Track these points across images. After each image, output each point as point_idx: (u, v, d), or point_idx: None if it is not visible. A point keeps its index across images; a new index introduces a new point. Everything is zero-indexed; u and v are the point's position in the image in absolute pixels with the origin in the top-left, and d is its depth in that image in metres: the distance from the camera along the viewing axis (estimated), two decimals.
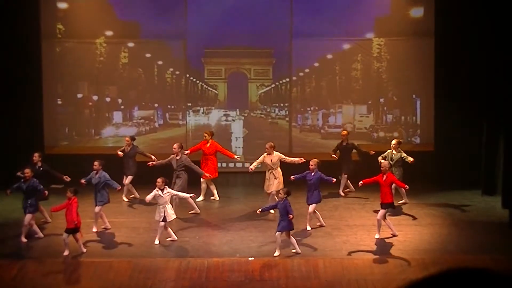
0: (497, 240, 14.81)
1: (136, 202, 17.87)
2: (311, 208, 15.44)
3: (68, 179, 15.93)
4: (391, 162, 16.71)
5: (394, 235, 15.00)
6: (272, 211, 15.71)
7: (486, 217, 16.62)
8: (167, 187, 14.73)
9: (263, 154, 16.96)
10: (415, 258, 13.66)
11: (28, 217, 14.82)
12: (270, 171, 16.76)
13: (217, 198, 18.10)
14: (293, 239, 13.99)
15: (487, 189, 18.29)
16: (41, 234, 15.05)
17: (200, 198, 17.69)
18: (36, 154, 16.40)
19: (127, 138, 18.36)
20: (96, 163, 15.65)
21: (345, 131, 18.78)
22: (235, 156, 18.46)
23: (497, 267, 13.28)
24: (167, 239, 14.74)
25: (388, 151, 17.36)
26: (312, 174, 15.43)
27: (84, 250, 14.16)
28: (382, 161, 16.27)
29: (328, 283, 12.77)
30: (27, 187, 14.93)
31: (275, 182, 16.53)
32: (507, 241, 14.77)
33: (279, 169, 16.71)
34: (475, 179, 18.65)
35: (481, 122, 18.47)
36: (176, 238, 14.79)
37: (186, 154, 17.08)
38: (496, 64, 17.76)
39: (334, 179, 15.84)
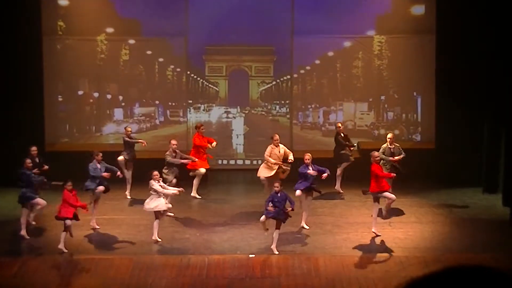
0: (498, 238, 14.81)
1: (137, 199, 17.84)
2: (297, 193, 15.35)
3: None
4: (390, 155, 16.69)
5: (374, 232, 15.02)
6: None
7: (487, 215, 16.61)
8: (155, 181, 14.70)
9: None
10: (416, 256, 13.66)
11: (24, 211, 14.89)
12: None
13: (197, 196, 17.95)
14: (276, 235, 13.94)
15: (488, 187, 18.28)
16: (25, 234, 14.94)
17: (192, 193, 17.58)
18: (33, 148, 16.37)
19: (128, 128, 18.37)
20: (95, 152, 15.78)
21: (339, 123, 18.71)
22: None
23: (498, 265, 13.28)
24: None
25: (383, 145, 17.10)
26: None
27: (65, 250, 14.11)
28: (382, 156, 16.32)
29: (328, 280, 12.77)
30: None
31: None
32: (508, 239, 14.78)
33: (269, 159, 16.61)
34: (476, 177, 18.64)
35: (482, 119, 18.46)
36: (159, 239, 14.69)
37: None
38: (498, 61, 17.75)
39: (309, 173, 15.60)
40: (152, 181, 14.67)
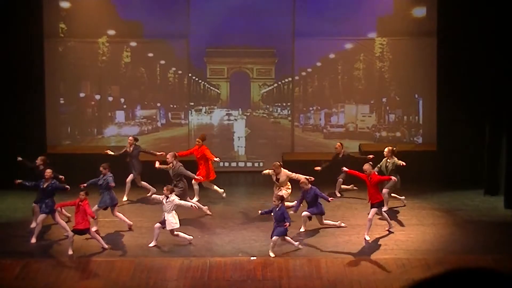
0: (500, 240, 14.81)
1: (138, 201, 17.88)
2: (304, 213, 15.36)
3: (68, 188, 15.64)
4: (385, 170, 16.66)
5: (389, 231, 15.19)
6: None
7: (488, 217, 16.61)
8: (171, 195, 14.62)
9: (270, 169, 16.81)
10: (418, 258, 13.66)
11: (42, 217, 14.77)
12: (278, 187, 16.62)
13: (223, 195, 18.07)
14: (288, 239, 14.08)
15: (490, 189, 18.27)
16: (34, 240, 14.90)
17: (195, 198, 17.56)
18: (39, 158, 16.12)
19: (130, 138, 18.28)
20: (103, 165, 15.57)
21: (339, 144, 18.52)
22: (214, 159, 17.74)
23: (499, 267, 13.28)
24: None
25: (383, 160, 17.12)
26: (307, 192, 15.36)
27: (106, 246, 14.36)
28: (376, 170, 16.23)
29: (330, 283, 12.77)
30: (47, 186, 14.87)
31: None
32: (510, 241, 14.77)
33: (288, 184, 16.56)
34: (478, 178, 18.63)
35: (484, 121, 18.45)
36: (191, 237, 14.73)
37: (179, 158, 16.95)
38: (499, 63, 17.75)
39: (331, 198, 15.73)
40: (173, 197, 14.68)
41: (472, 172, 18.97)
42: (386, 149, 17.05)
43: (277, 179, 16.44)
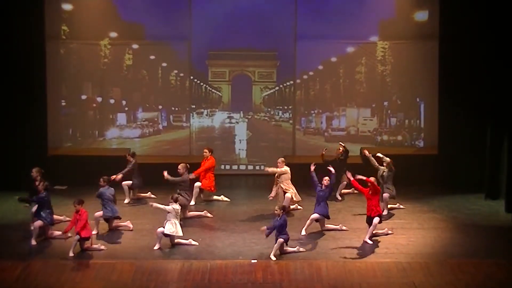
0: (501, 245, 14.79)
1: (139, 204, 17.88)
2: (314, 216, 15.43)
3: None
4: (381, 179, 16.66)
5: (389, 233, 15.33)
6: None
7: (489, 221, 16.60)
8: (172, 203, 14.71)
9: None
10: (418, 262, 13.64)
11: (38, 222, 14.82)
12: (277, 185, 16.81)
13: (226, 198, 18.20)
14: (289, 249, 14.19)
15: (491, 193, 18.28)
16: (34, 242, 14.92)
17: (192, 202, 17.56)
18: (34, 170, 15.75)
19: (128, 157, 18.06)
20: (104, 178, 15.62)
21: (341, 148, 18.57)
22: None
23: (500, 271, 13.28)
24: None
25: (381, 168, 17.09)
26: (324, 188, 15.52)
27: (103, 247, 14.50)
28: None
29: (330, 286, 12.77)
30: (38, 199, 14.98)
31: (286, 197, 16.65)
32: (511, 245, 14.75)
33: (287, 182, 16.84)
34: (479, 182, 18.65)
35: (485, 125, 18.46)
36: (196, 243, 14.84)
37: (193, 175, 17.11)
38: (501, 67, 17.75)
39: (331, 170, 15.84)
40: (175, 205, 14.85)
41: (473, 176, 18.98)
42: (388, 160, 16.98)
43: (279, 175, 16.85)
